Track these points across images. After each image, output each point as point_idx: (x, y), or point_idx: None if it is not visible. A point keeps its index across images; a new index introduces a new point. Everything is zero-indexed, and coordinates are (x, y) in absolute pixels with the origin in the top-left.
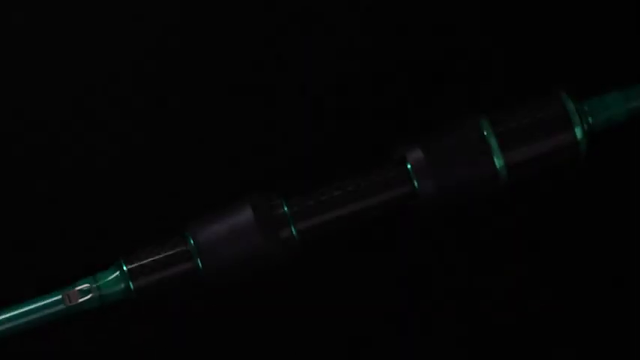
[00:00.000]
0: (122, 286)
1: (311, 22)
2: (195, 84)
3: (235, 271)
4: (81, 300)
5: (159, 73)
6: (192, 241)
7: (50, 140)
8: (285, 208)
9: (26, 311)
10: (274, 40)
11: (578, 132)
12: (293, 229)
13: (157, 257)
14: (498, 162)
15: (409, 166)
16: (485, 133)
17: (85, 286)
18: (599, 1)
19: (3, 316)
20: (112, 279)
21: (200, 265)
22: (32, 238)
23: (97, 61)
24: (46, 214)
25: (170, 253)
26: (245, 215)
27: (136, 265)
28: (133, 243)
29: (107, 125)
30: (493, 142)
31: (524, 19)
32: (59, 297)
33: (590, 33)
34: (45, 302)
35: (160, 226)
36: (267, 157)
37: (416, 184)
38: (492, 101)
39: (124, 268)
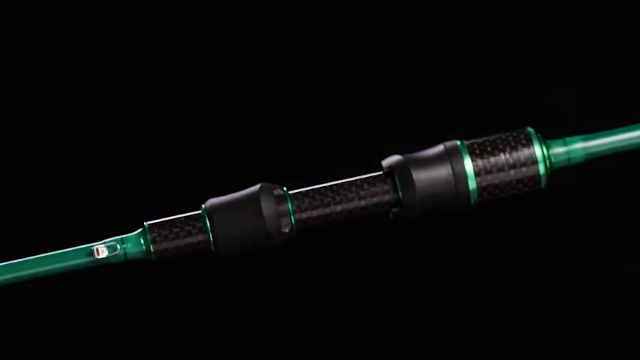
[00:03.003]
0: (144, 248)
1: (315, 23)
2: (215, 87)
3: (240, 247)
4: (107, 255)
5: (173, 72)
6: (207, 218)
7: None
8: (288, 201)
9: (59, 257)
10: (282, 42)
11: (541, 168)
12: (292, 219)
13: (176, 227)
14: (471, 184)
15: (397, 178)
16: (463, 159)
17: (112, 243)
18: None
19: (36, 258)
20: (136, 241)
21: (211, 238)
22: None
23: (120, 45)
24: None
25: (187, 225)
26: (253, 203)
27: (157, 231)
28: (158, 214)
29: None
30: (469, 167)
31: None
32: (89, 249)
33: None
34: (76, 252)
35: (182, 203)
36: (275, 154)
37: (400, 194)
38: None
39: (147, 233)
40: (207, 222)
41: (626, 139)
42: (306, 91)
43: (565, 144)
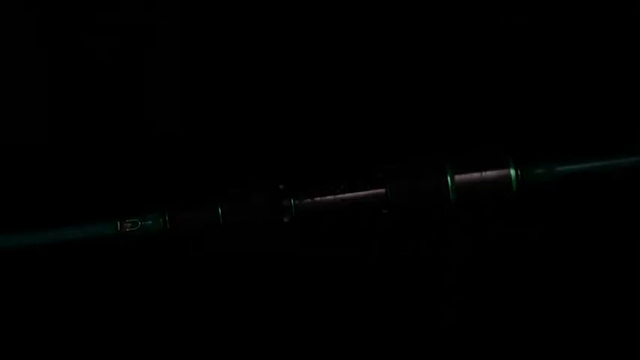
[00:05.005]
0: (161, 225)
1: (326, 29)
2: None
3: (245, 232)
4: (130, 229)
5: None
6: (219, 206)
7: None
8: (292, 199)
9: (89, 227)
10: (290, 45)
11: (514, 184)
12: (293, 212)
13: (191, 211)
14: (452, 195)
15: (388, 186)
16: (447, 173)
17: (135, 220)
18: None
19: (70, 227)
20: (156, 219)
21: (221, 222)
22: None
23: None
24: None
25: (202, 210)
26: (260, 196)
27: (174, 212)
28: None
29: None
30: (450, 182)
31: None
32: (115, 222)
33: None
34: (105, 225)
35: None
36: (284, 154)
37: (389, 195)
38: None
39: (166, 213)
40: (219, 209)
41: (586, 167)
42: (313, 101)
43: (536, 166)
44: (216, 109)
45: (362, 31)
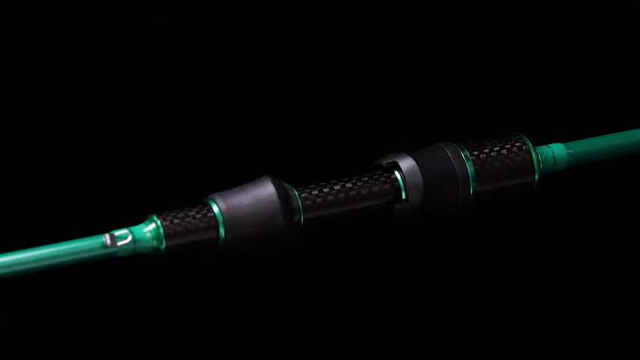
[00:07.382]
0: (154, 243)
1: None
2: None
3: (251, 245)
4: (119, 242)
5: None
6: (218, 211)
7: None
8: (298, 199)
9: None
10: (293, 44)
11: (537, 174)
12: (301, 216)
13: (184, 217)
14: (473, 189)
15: (400, 180)
16: (465, 164)
17: (124, 232)
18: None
19: (52, 249)
20: (146, 230)
21: (223, 234)
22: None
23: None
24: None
25: (196, 215)
26: (270, 199)
27: (166, 222)
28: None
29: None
30: (470, 170)
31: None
32: (102, 237)
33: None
34: (88, 242)
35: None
36: (284, 152)
37: (404, 195)
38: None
39: (157, 222)
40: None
41: (601, 143)
42: (317, 95)
43: (550, 149)
44: (216, 109)
45: (362, 31)
